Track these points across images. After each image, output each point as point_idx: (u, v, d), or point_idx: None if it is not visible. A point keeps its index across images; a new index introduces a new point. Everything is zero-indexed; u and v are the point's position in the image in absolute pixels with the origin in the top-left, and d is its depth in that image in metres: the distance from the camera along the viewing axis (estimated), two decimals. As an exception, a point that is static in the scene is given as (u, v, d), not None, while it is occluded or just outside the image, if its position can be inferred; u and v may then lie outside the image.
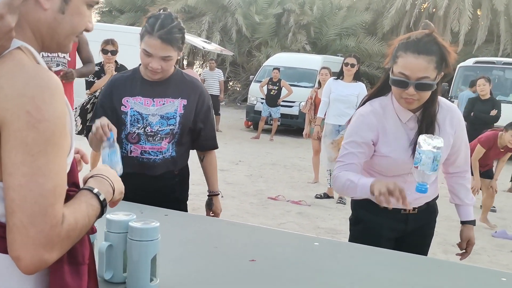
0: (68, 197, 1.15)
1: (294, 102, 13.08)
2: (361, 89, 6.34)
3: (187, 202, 2.61)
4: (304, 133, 7.69)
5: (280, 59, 14.64)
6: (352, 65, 6.26)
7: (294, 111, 13.24)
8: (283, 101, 12.41)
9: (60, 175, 1.02)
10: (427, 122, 2.07)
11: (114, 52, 5.73)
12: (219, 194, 2.62)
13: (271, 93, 12.16)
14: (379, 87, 2.18)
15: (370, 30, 20.97)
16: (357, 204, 2.35)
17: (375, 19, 20.85)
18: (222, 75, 13.52)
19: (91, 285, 1.20)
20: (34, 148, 0.97)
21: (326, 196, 6.69)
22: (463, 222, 2.34)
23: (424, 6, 20.19)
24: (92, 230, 1.27)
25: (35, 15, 1.08)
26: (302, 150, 10.81)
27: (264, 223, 5.24)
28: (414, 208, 2.22)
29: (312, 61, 14.51)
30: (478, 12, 20.01)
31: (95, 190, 1.14)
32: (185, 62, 20.63)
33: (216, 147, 2.58)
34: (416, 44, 1.94)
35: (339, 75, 6.42)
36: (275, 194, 6.65)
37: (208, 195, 2.63)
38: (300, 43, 19.43)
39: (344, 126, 5.87)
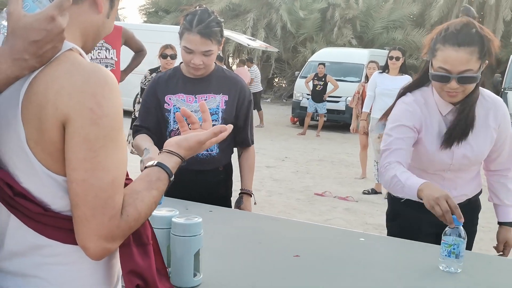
0: (125, 186, 1.18)
1: (340, 97, 12.95)
2: (408, 82, 6.17)
3: (231, 199, 2.60)
4: (351, 128, 7.61)
5: (326, 54, 14.51)
6: (397, 58, 6.12)
7: (341, 106, 13.10)
8: (329, 96, 12.30)
9: (119, 168, 1.06)
10: (465, 113, 1.97)
11: (173, 56, 5.69)
12: (251, 195, 2.55)
13: (317, 88, 12.07)
14: (418, 79, 2.10)
15: (418, 22, 20.49)
16: (394, 199, 2.28)
17: (423, 10, 20.35)
18: (252, 73, 13.45)
19: (158, 263, 1.26)
20: (96, 144, 1.01)
21: (374, 191, 6.59)
22: (500, 223, 2.22)
23: (475, -5, 19.58)
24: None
25: (88, 17, 1.13)
26: (349, 145, 10.69)
27: (311, 219, 5.21)
28: None
29: (359, 55, 14.32)
30: (533, -1, 19.22)
31: (168, 171, 1.17)
32: (231, 60, 20.75)
33: (251, 144, 2.55)
34: (455, 35, 1.85)
35: (384, 68, 6.31)
36: (322, 190, 6.60)
37: (239, 193, 2.55)
38: (346, 37, 19.21)
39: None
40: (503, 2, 18.36)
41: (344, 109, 13.01)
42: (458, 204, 2.11)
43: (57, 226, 1.08)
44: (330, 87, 12.06)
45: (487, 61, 1.91)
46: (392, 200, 2.27)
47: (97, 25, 1.15)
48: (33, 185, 1.06)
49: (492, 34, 1.91)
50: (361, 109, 6.89)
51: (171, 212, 1.58)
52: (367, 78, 7.27)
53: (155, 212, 1.57)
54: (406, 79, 6.15)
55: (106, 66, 4.69)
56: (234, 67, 22.38)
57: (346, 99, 13.03)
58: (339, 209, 5.86)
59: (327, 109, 12.41)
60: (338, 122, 13.58)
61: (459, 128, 1.98)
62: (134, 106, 5.80)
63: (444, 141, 1.99)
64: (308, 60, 14.99)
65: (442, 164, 2.06)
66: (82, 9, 1.12)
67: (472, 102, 1.98)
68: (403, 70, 6.26)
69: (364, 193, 6.56)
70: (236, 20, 20.18)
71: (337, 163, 8.87)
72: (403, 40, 19.52)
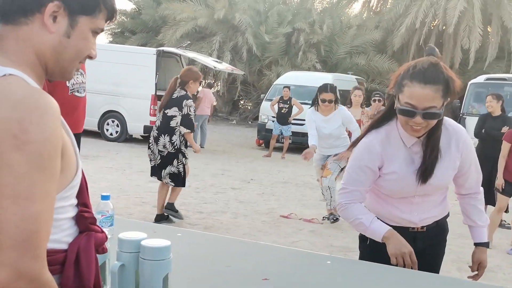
0: (81, 218, 1.16)
1: (305, 120, 13.06)
2: (342, 115, 6.09)
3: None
4: None
5: (291, 77, 14.70)
6: (330, 101, 5.97)
7: (306, 129, 13.15)
8: (294, 119, 12.43)
9: (46, 201, 1.00)
10: (431, 146, 2.07)
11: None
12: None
13: (282, 111, 12.19)
14: (384, 114, 2.16)
15: (380, 48, 21.02)
16: (365, 243, 2.32)
17: (385, 37, 20.92)
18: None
19: None
20: (18, 170, 0.96)
21: (334, 218, 6.25)
22: (476, 244, 2.31)
23: (434, 24, 20.24)
24: (103, 250, 1.27)
25: (40, 38, 1.08)
26: (313, 168, 10.76)
27: (277, 241, 5.21)
28: (422, 227, 2.20)
29: (323, 79, 14.46)
30: (489, 29, 20.00)
31: None
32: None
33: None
34: (422, 73, 1.92)
35: (313, 103, 6.23)
36: (287, 212, 6.62)
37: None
38: (310, 61, 19.51)
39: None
40: (461, 31, 19.04)
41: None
42: (426, 226, 2.18)
43: None
44: (295, 110, 12.19)
45: (449, 99, 1.99)
46: (362, 241, 2.31)
47: (53, 45, 1.10)
48: None
49: (455, 75, 1.99)
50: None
51: (140, 236, 1.57)
52: (351, 104, 7.40)
53: (123, 236, 1.55)
54: (340, 113, 6.10)
55: (84, 91, 4.59)
56: (199, 88, 22.40)
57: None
58: (305, 231, 5.88)
59: (292, 132, 12.52)
60: (303, 144, 13.66)
61: (429, 162, 2.06)
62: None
63: (420, 177, 2.07)
64: (274, 83, 15.15)
65: (408, 192, 2.13)
66: (32, 31, 1.08)
67: (437, 135, 2.06)
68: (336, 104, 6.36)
69: (323, 219, 6.45)
70: (202, 42, 20.28)
71: (301, 185, 8.92)
72: (365, 65, 19.97)
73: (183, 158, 5.55)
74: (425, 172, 2.07)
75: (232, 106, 22.70)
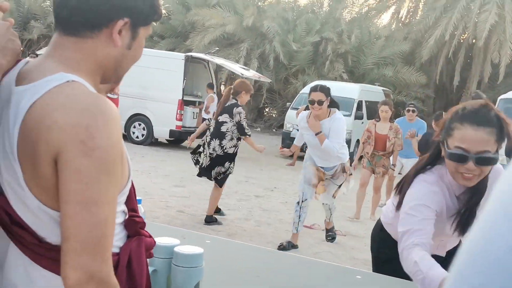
0: (132, 223, 1.17)
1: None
2: (331, 124, 4.94)
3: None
4: (353, 164, 6.92)
5: (317, 87, 14.63)
6: (320, 103, 4.85)
7: (331, 139, 13.14)
8: (320, 129, 12.35)
9: (111, 205, 1.03)
10: (479, 195, 1.90)
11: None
12: None
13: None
14: (428, 161, 1.99)
15: (408, 59, 20.83)
16: (387, 241, 2.18)
17: (414, 48, 20.72)
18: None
19: None
20: (88, 177, 0.99)
21: (291, 245, 5.34)
22: None
23: (464, 37, 19.99)
24: (150, 255, 1.28)
25: (104, 52, 1.11)
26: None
27: (299, 252, 5.19)
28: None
29: (350, 89, 14.48)
30: (520, 44, 19.67)
31: None
32: (222, 88, 20.94)
33: None
34: (474, 115, 1.77)
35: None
36: (310, 223, 6.58)
37: None
38: (337, 71, 19.44)
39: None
40: (491, 45, 18.77)
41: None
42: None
43: (53, 258, 1.06)
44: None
45: (502, 144, 1.81)
46: (384, 243, 2.24)
47: (115, 57, 1.13)
48: (29, 218, 1.06)
49: (507, 119, 1.81)
50: (372, 149, 7.10)
51: (173, 242, 1.58)
52: (379, 117, 7.23)
53: (156, 241, 1.56)
54: (331, 121, 5.25)
55: (116, 94, 4.64)
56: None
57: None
58: (328, 242, 5.84)
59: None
60: (327, 154, 13.63)
61: (472, 215, 1.90)
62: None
63: (457, 227, 1.93)
64: (300, 92, 15.13)
65: (443, 235, 2.03)
66: (97, 44, 1.10)
67: (486, 182, 1.87)
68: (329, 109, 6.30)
69: (279, 247, 5.31)
70: (229, 49, 20.37)
71: (325, 195, 8.87)
72: (393, 77, 19.80)
73: (229, 163, 5.97)
74: (461, 223, 1.92)
75: (257, 114, 22.73)
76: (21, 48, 1.11)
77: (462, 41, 19.91)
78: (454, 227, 1.92)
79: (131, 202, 1.19)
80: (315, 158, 5.24)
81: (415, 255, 1.74)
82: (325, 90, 4.93)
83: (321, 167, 5.21)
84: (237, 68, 14.70)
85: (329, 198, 5.49)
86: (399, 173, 8.51)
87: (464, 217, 1.91)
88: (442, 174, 1.93)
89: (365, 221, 7.07)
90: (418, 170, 1.97)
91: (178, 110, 12.25)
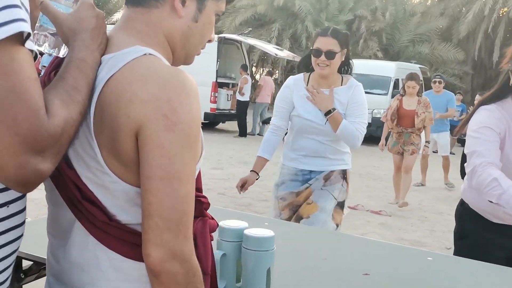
0: (198, 203, 1.11)
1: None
2: (352, 94, 2.87)
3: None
4: (380, 144, 6.79)
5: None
6: (330, 55, 2.78)
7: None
8: (356, 108, 12.14)
9: (191, 181, 1.00)
10: None
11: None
12: None
13: (342, 100, 11.96)
14: (497, 91, 1.99)
15: (445, 36, 20.28)
16: (464, 216, 2.17)
17: (451, 24, 20.15)
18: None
19: None
20: (171, 151, 0.95)
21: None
22: None
23: (504, 11, 19.31)
24: (211, 237, 1.21)
25: (169, 22, 1.08)
26: (375, 158, 10.54)
27: (346, 233, 5.09)
28: None
29: (386, 68, 14.19)
30: None
31: None
32: (254, 69, 20.85)
33: None
34: None
35: (300, 65, 3.35)
36: (353, 203, 6.47)
37: None
38: (371, 49, 19.09)
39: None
40: (533, 18, 18.11)
41: (370, 121, 12.87)
42: None
43: (121, 238, 1.02)
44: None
45: None
46: (461, 216, 2.17)
47: (182, 30, 1.10)
48: (102, 194, 1.01)
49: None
50: (396, 125, 6.39)
51: (241, 225, 1.49)
52: (404, 92, 6.49)
53: (224, 224, 1.48)
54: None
55: None
56: (257, 76, 22.40)
57: (372, 111, 12.91)
58: (374, 223, 5.72)
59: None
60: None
61: None
62: None
63: None
64: (334, 72, 14.90)
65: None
66: (163, 14, 1.07)
67: None
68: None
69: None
70: (261, 29, 20.19)
71: (365, 175, 8.72)
72: (429, 54, 19.34)
73: None
74: None
75: (290, 95, 22.60)
76: None
77: (501, 15, 19.23)
78: None
79: (198, 181, 1.12)
80: (299, 156, 2.94)
81: (493, 172, 1.81)
82: (341, 36, 2.81)
83: (307, 171, 2.90)
84: (270, 48, 14.55)
85: (327, 222, 2.89)
86: (433, 151, 8.22)
87: None
88: (508, 106, 1.94)
89: (410, 200, 6.91)
90: (482, 102, 1.99)
91: (212, 93, 12.20)
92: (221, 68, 12.60)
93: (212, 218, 1.20)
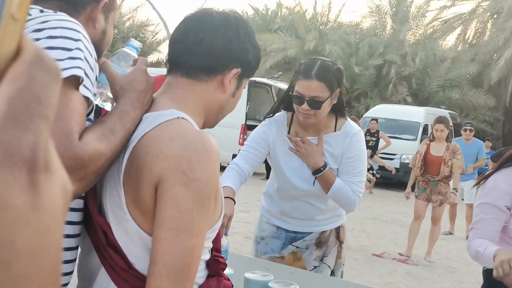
0: (215, 262, 1.18)
1: (395, 154, 12.78)
2: (349, 143, 2.31)
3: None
4: (405, 192, 6.52)
5: (381, 110, 14.42)
6: (314, 103, 2.21)
7: (395, 163, 12.88)
8: (384, 153, 12.12)
9: (200, 237, 1.06)
10: None
11: None
12: None
13: (369, 144, 11.94)
14: None
15: (476, 81, 20.17)
16: (488, 271, 2.18)
17: (481, 70, 20.05)
18: None
19: None
20: (183, 205, 1.03)
21: None
22: None
23: (536, 58, 19.17)
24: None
25: (214, 96, 1.20)
26: (403, 204, 10.40)
27: (372, 281, 5.05)
28: None
29: (415, 113, 14.17)
30: None
31: None
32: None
33: None
34: None
35: (275, 108, 2.70)
36: (379, 251, 6.41)
37: None
38: (401, 94, 19.09)
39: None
40: None
41: (398, 166, 12.82)
42: None
43: (138, 286, 1.09)
44: (382, 143, 11.91)
45: None
46: (487, 274, 2.18)
47: (221, 103, 1.21)
48: (124, 241, 1.10)
49: None
50: (422, 172, 6.11)
51: (267, 277, 1.56)
52: (433, 137, 6.21)
53: (250, 276, 1.55)
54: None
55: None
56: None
57: (400, 156, 12.87)
58: (400, 272, 5.66)
59: (381, 166, 12.21)
60: (392, 180, 13.32)
61: None
62: None
63: None
64: (363, 116, 14.93)
65: None
66: (209, 87, 1.18)
67: None
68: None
69: None
70: (291, 73, 20.39)
71: (391, 222, 8.64)
72: (459, 99, 19.22)
73: None
74: None
75: (318, 137, 22.62)
76: None
77: (533, 61, 19.09)
78: None
79: (217, 241, 1.20)
80: (284, 218, 2.46)
81: (475, 245, 2.00)
82: (329, 77, 2.18)
83: (292, 231, 2.45)
84: (299, 92, 14.68)
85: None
86: (462, 199, 8.03)
87: None
88: None
89: (437, 249, 6.81)
90: (499, 165, 2.05)
91: (241, 135, 12.34)
92: (250, 110, 12.78)
93: (228, 280, 1.26)
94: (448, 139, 6.15)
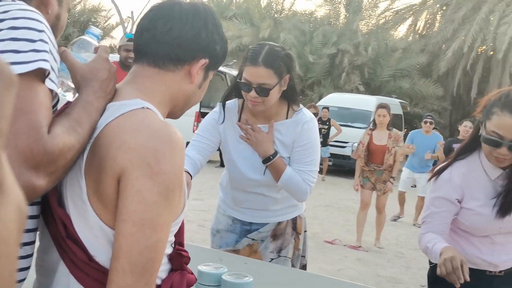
0: (178, 256, 1.17)
1: (347, 142, 13.02)
2: (300, 131, 2.29)
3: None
4: (354, 184, 6.55)
5: (334, 99, 14.64)
6: (261, 89, 2.15)
7: (347, 151, 13.15)
8: (336, 141, 12.33)
9: (165, 231, 1.05)
10: None
11: None
12: None
13: (321, 132, 12.11)
14: (468, 143, 2.10)
15: (425, 72, 20.73)
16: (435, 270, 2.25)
17: (431, 61, 20.62)
18: None
19: None
20: (148, 199, 1.01)
21: None
22: None
23: (482, 49, 19.85)
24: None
25: (181, 86, 1.18)
26: (354, 192, 10.62)
27: (324, 268, 5.15)
28: (500, 271, 2.12)
29: (367, 102, 14.43)
30: (539, 56, 19.48)
31: None
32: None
33: None
34: None
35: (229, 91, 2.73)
36: (331, 238, 6.54)
37: None
38: (353, 83, 19.40)
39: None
40: (510, 58, 18.61)
41: (350, 154, 13.10)
42: (504, 270, 2.08)
43: (98, 279, 1.07)
44: (333, 131, 12.10)
45: None
46: (431, 271, 2.24)
47: (188, 94, 1.20)
48: (84, 233, 1.08)
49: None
50: (367, 162, 6.18)
51: (220, 269, 1.56)
52: (375, 125, 6.27)
53: (203, 268, 1.55)
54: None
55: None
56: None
57: (352, 144, 13.13)
58: (351, 258, 5.79)
59: (334, 154, 12.41)
60: (344, 167, 13.58)
61: (510, 196, 1.97)
62: None
63: (499, 210, 1.99)
64: (317, 104, 15.10)
65: (490, 228, 2.05)
66: (177, 77, 1.16)
67: None
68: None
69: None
70: (246, 60, 20.43)
71: (344, 209, 8.82)
72: (409, 89, 19.71)
73: None
74: (503, 206, 1.98)
75: (273, 125, 22.74)
76: None
77: (480, 53, 19.76)
78: (495, 212, 1.99)
79: (180, 235, 1.19)
80: (236, 203, 2.42)
81: (425, 240, 2.03)
82: (277, 63, 2.13)
83: (247, 222, 2.41)
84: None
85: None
86: (412, 186, 8.17)
87: (503, 201, 1.98)
88: (473, 161, 2.05)
89: (386, 235, 7.00)
90: (453, 159, 2.10)
91: (195, 123, 12.28)
92: (205, 98, 12.69)
93: (192, 273, 1.25)
94: (388, 127, 6.19)
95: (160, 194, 1.02)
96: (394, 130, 6.27)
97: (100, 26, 23.35)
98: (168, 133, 1.05)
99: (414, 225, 8.03)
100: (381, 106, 6.30)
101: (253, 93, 2.11)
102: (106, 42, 23.35)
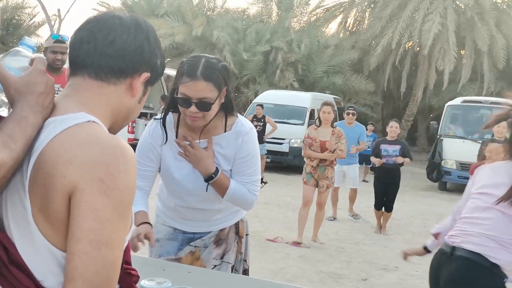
0: (127, 275, 1.12)
1: (284, 139, 13.12)
2: (242, 140, 2.25)
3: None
4: (302, 176, 6.53)
5: (269, 96, 14.72)
6: (203, 104, 2.05)
7: (284, 148, 13.27)
8: (273, 138, 12.38)
9: (120, 248, 1.01)
10: None
11: None
12: None
13: (257, 129, 12.08)
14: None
15: (357, 68, 21.26)
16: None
17: (362, 57, 21.16)
18: None
19: None
20: (103, 216, 0.96)
21: None
22: None
23: (409, 45, 20.56)
24: None
25: (122, 99, 1.14)
26: (294, 187, 10.72)
27: (266, 267, 5.11)
28: None
29: (301, 98, 14.62)
30: (462, 52, 20.41)
31: None
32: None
33: None
34: None
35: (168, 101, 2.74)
36: (273, 236, 6.52)
37: None
38: (288, 80, 19.59)
39: None
40: (435, 53, 19.37)
41: (288, 150, 13.21)
42: None
43: None
44: (269, 128, 12.14)
45: None
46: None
47: (129, 108, 1.16)
48: (30, 256, 1.00)
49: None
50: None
51: (163, 284, 1.46)
52: (320, 122, 6.36)
53: (146, 284, 1.45)
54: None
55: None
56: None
57: (289, 141, 13.24)
58: (293, 256, 5.78)
59: (271, 151, 12.45)
60: (282, 163, 13.68)
61: None
62: None
63: None
64: (253, 101, 15.13)
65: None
66: (118, 91, 1.12)
67: None
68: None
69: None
70: (179, 58, 20.09)
71: (283, 206, 8.85)
72: (342, 85, 20.14)
73: None
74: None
75: (208, 123, 22.61)
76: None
77: (407, 49, 20.46)
78: None
79: (127, 254, 1.12)
80: (179, 216, 2.35)
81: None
82: (216, 75, 2.07)
83: (190, 233, 2.34)
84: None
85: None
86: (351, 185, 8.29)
87: None
88: None
89: (326, 230, 7.07)
90: None
91: (130, 123, 11.97)
92: (138, 98, 12.41)
93: None
94: (332, 124, 6.30)
95: (115, 211, 0.98)
96: (337, 127, 6.37)
97: (24, 24, 22.37)
98: (120, 146, 1.02)
99: (352, 216, 8.13)
100: (326, 103, 6.40)
101: (193, 108, 2.03)
102: (31, 42, 22.33)
